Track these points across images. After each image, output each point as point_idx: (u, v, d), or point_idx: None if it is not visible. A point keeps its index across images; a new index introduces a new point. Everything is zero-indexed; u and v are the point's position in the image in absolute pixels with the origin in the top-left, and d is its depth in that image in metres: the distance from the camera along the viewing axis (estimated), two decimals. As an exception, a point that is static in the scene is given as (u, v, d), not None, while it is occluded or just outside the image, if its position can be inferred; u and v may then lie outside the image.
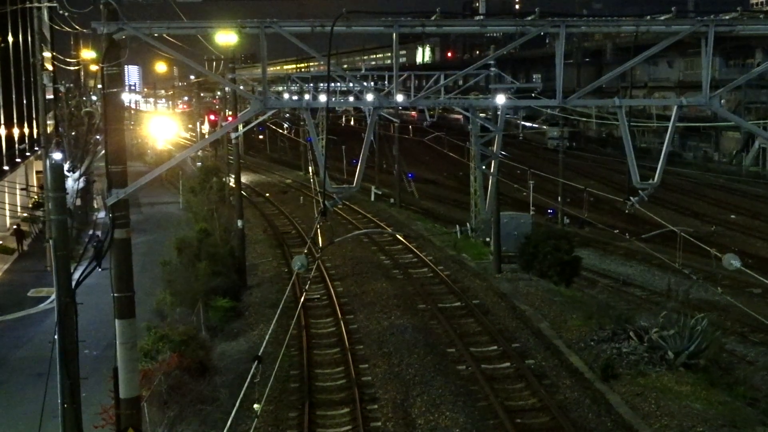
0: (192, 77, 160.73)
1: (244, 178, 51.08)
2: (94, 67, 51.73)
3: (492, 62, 37.32)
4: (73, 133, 45.85)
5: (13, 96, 48.43)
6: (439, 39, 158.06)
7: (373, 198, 58.70)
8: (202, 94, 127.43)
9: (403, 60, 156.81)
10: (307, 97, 53.46)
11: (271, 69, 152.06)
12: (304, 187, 64.45)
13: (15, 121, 48.88)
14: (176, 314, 27.44)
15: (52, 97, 52.75)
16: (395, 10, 15.36)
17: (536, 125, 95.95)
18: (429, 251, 39.75)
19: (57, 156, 35.29)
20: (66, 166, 35.44)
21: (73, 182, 34.70)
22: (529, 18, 13.70)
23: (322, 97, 46.00)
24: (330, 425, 20.58)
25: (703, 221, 52.31)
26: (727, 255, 14.26)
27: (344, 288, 33.35)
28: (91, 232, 48.36)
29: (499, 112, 38.14)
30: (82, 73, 56.36)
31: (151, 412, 19.06)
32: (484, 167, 39.98)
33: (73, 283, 13.43)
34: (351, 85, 47.46)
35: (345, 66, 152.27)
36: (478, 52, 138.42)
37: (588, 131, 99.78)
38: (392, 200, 57.20)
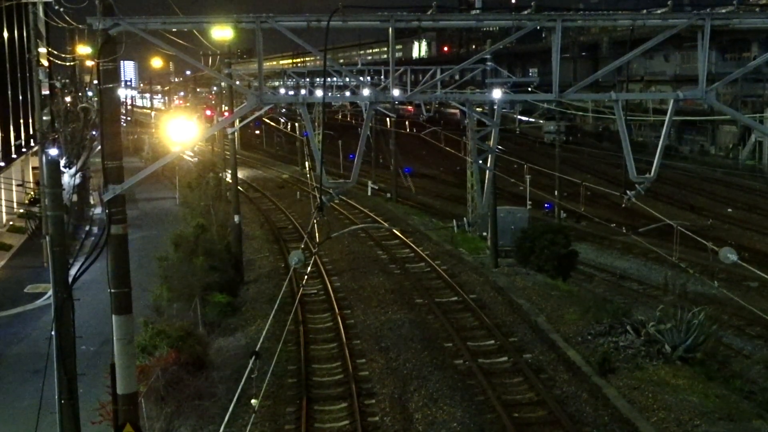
0: (188, 72, 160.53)
1: (241, 174, 51.02)
2: (90, 63, 51.60)
3: (488, 56, 37.30)
4: (69, 129, 45.72)
5: (9, 92, 48.35)
6: (436, 33, 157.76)
7: (369, 193, 58.70)
8: (198, 90, 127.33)
9: (399, 55, 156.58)
10: (303, 92, 53.38)
11: (267, 64, 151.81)
12: (301, 183, 64.44)
13: (11, 117, 48.81)
14: (173, 310, 27.43)
15: (47, 92, 52.61)
16: (391, 5, 15.28)
17: (533, 119, 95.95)
18: (426, 246, 39.76)
19: (53, 152, 35.18)
20: (62, 162, 35.33)
21: (69, 178, 34.59)
22: (526, 12, 13.70)
23: (319, 92, 45.93)
24: (327, 420, 20.59)
25: (700, 215, 52.37)
26: (723, 248, 14.23)
27: (341, 283, 33.36)
28: (87, 228, 48.36)
29: (495, 107, 38.13)
30: (78, 68, 56.17)
31: (148, 407, 19.07)
32: (480, 162, 39.97)
33: (70, 279, 13.41)
34: (347, 79, 47.34)
35: (341, 61, 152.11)
36: (474, 47, 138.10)
37: (585, 125, 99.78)
38: (389, 195, 57.19)
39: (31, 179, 53.50)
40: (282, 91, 61.83)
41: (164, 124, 78.68)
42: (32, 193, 48.03)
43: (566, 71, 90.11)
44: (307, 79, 55.98)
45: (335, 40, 20.09)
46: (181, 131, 31.67)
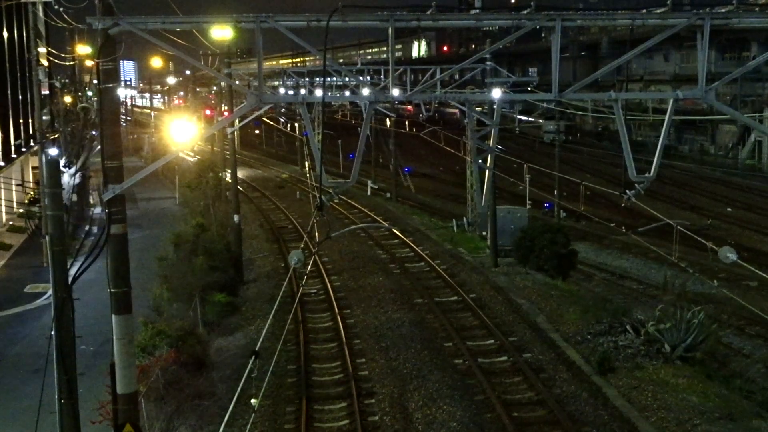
0: (188, 72, 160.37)
1: (240, 174, 51.03)
2: (89, 63, 51.62)
3: (488, 56, 37.29)
4: (69, 129, 45.78)
5: (9, 92, 48.35)
6: (435, 33, 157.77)
7: (369, 192, 58.71)
8: (197, 89, 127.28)
9: (398, 54, 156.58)
10: (303, 91, 53.38)
11: (267, 64, 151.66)
12: (301, 182, 64.44)
13: (11, 117, 48.82)
14: (173, 309, 27.43)
15: (47, 92, 52.62)
16: (391, 5, 15.35)
17: (532, 119, 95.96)
18: (426, 245, 39.76)
19: (53, 152, 35.16)
20: (62, 162, 35.37)
21: (69, 178, 34.63)
22: (525, 12, 13.70)
23: (318, 92, 45.98)
24: (327, 420, 20.59)
25: (700, 214, 52.38)
26: (723, 248, 14.24)
27: (341, 282, 33.36)
28: (87, 227, 48.36)
29: (495, 106, 38.15)
30: (78, 68, 56.21)
31: (148, 407, 19.07)
32: (480, 161, 39.98)
33: (70, 279, 13.41)
34: (347, 79, 47.38)
35: (341, 60, 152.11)
36: (474, 46, 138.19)
37: (584, 125, 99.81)
38: (389, 195, 57.21)
39: (31, 179, 53.52)
40: (282, 90, 61.81)
41: (164, 123, 78.75)
42: (32, 192, 48.05)
43: (566, 71, 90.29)
44: (307, 79, 56.02)
45: (335, 40, 20.10)
46: (182, 132, 31.72)
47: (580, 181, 49.10)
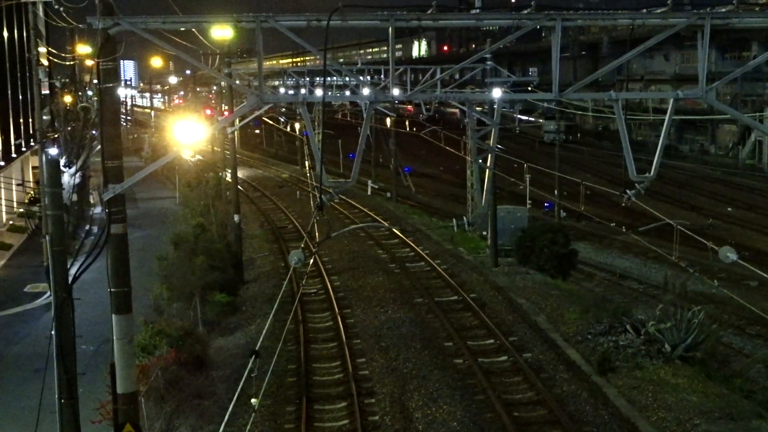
0: (188, 72, 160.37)
1: (240, 173, 51.00)
2: (90, 62, 51.57)
3: (488, 56, 37.27)
4: (69, 129, 45.73)
5: (9, 92, 48.34)
6: (435, 33, 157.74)
7: (369, 192, 58.71)
8: (198, 89, 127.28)
9: (399, 54, 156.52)
10: (303, 91, 53.36)
11: (267, 63, 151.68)
12: (301, 182, 64.44)
13: (11, 116, 48.80)
14: (173, 309, 27.43)
15: (47, 92, 52.58)
16: (391, 4, 15.38)
17: (533, 119, 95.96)
18: (426, 245, 39.76)
19: (53, 151, 35.14)
20: (62, 162, 35.27)
21: (69, 178, 34.59)
22: (525, 11, 13.69)
23: (318, 92, 45.94)
24: (327, 419, 20.59)
25: (700, 214, 52.39)
26: (723, 248, 14.23)
27: (341, 282, 33.36)
28: (87, 227, 48.35)
29: (495, 106, 38.12)
30: (78, 68, 56.14)
31: (148, 407, 19.06)
32: (480, 161, 39.96)
33: (70, 279, 13.41)
34: (347, 79, 47.34)
35: (341, 60, 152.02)
36: (474, 46, 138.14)
37: (584, 125, 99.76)
38: (389, 194, 57.20)
39: (31, 179, 53.51)
40: (282, 90, 61.81)
41: (165, 123, 78.69)
42: (32, 192, 48.05)
43: (566, 70, 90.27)
44: (307, 79, 55.99)
45: (335, 40, 20.10)
46: (188, 133, 31.63)
47: (581, 181, 49.07)
